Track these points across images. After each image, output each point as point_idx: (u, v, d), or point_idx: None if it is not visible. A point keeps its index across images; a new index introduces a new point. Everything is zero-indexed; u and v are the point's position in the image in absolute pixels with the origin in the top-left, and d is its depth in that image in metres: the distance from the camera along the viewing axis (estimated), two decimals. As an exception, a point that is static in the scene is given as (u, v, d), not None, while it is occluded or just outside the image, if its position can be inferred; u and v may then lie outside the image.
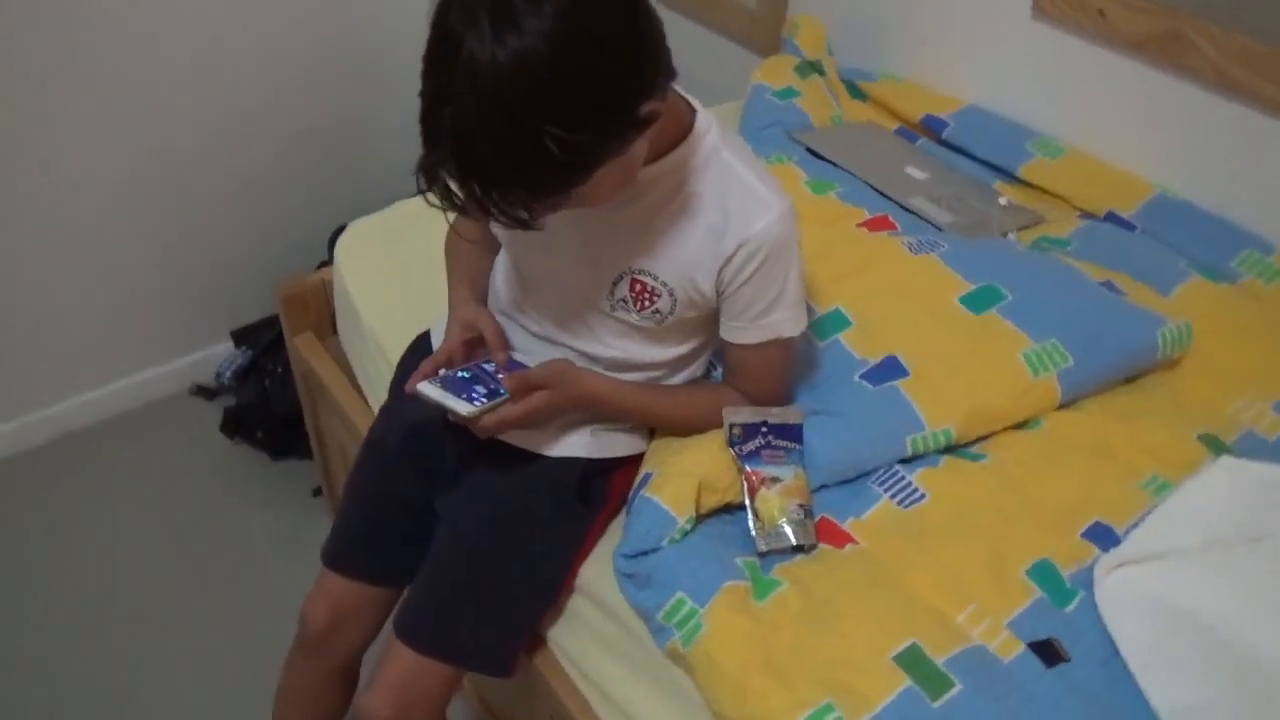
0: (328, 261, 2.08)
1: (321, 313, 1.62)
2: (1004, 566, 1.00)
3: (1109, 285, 1.27)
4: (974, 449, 1.13)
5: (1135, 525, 1.03)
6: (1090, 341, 1.17)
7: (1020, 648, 0.93)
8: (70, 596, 1.78)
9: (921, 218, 1.45)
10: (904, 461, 1.10)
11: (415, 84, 2.37)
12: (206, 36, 1.87)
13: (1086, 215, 1.50)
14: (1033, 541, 1.02)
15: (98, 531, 1.89)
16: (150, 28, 1.79)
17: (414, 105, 2.38)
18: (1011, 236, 1.43)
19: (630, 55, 0.81)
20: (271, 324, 2.10)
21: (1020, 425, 1.15)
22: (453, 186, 0.83)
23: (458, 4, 0.76)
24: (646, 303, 1.02)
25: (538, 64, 0.74)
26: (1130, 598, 0.96)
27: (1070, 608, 0.97)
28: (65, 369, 2.02)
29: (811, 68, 1.76)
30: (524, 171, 0.79)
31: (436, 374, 1.02)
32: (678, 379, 1.13)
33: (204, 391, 2.19)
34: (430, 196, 0.85)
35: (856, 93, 1.81)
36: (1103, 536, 1.03)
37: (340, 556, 1.20)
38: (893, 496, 1.07)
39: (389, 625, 1.16)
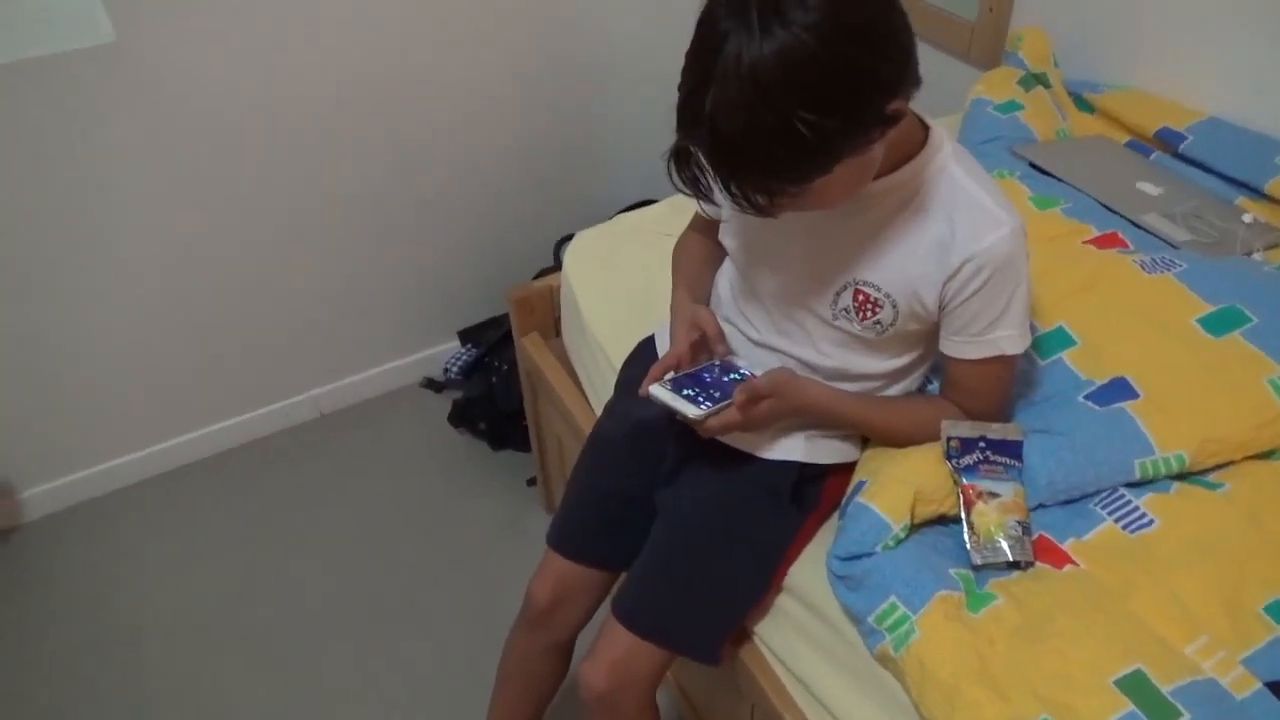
0: (549, 268, 2.23)
1: (547, 316, 1.75)
2: (1240, 601, 0.96)
3: (1372, 310, 1.18)
4: (1210, 477, 1.09)
5: (1395, 569, 0.96)
6: (1348, 370, 1.10)
7: (1257, 685, 0.89)
8: (311, 561, 2.00)
9: (1155, 235, 1.39)
10: (1131, 486, 1.08)
11: (636, 107, 2.48)
12: (441, 50, 2.01)
13: (1347, 234, 1.39)
14: (1273, 577, 0.97)
15: (339, 504, 2.11)
16: (392, 44, 1.96)
17: (634, 127, 2.49)
18: (1257, 256, 1.35)
19: (884, 50, 0.85)
20: (495, 324, 2.27)
21: (1265, 455, 1.10)
22: (699, 171, 0.90)
23: (725, 0, 0.83)
24: (869, 313, 1.05)
25: (800, 54, 0.80)
26: (1388, 645, 0.90)
27: (1315, 650, 0.92)
28: (319, 361, 2.28)
29: (1036, 80, 1.72)
30: (773, 154, 0.84)
31: (665, 377, 1.09)
32: (894, 390, 1.15)
33: (433, 384, 2.39)
34: (677, 181, 0.93)
35: (1084, 105, 1.75)
36: (1355, 578, 0.97)
37: (565, 539, 1.30)
38: (1117, 520, 1.04)
39: (605, 604, 1.25)
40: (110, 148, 1.79)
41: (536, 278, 2.01)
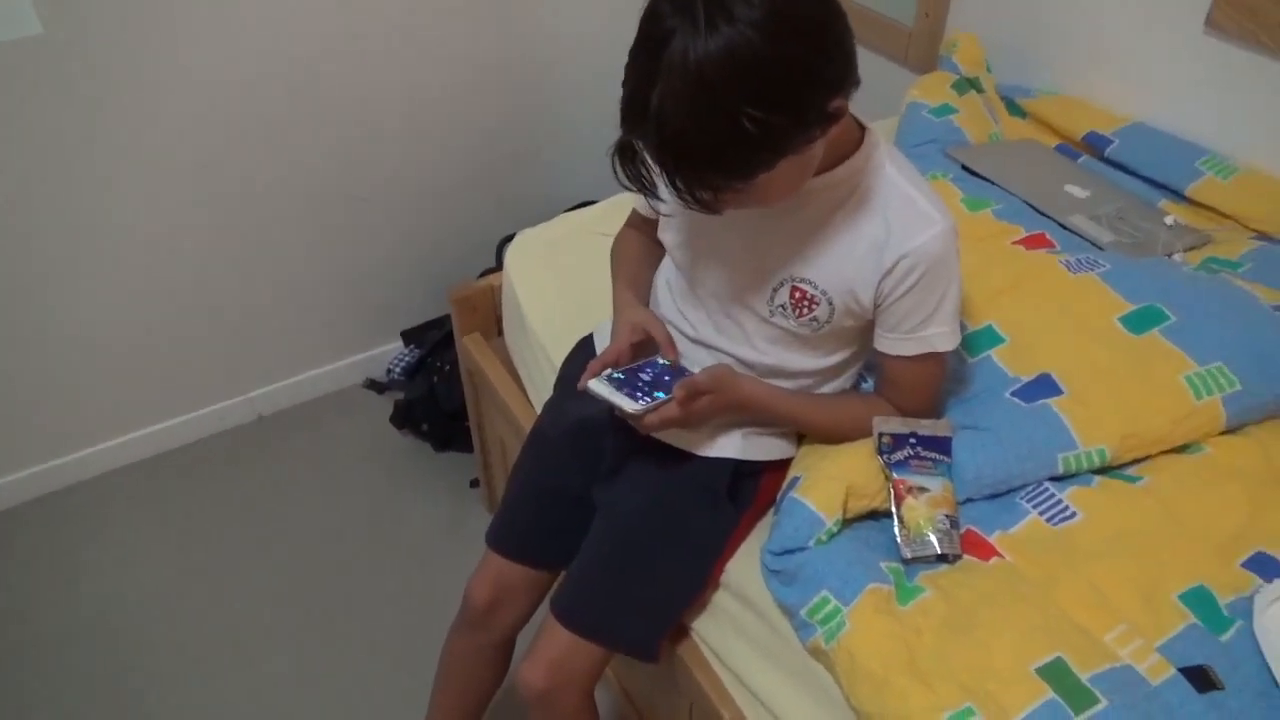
0: (491, 269, 2.22)
1: (489, 315, 1.74)
2: (1156, 590, 0.99)
3: (1283, 309, 1.23)
4: (1130, 470, 1.12)
5: (1302, 557, 1.01)
6: (1260, 366, 1.14)
7: (1171, 671, 0.92)
8: (251, 565, 1.96)
9: (1081, 236, 1.43)
10: (1055, 479, 1.11)
11: (579, 109, 2.48)
12: (385, 49, 1.99)
13: (1261, 236, 1.44)
14: (1188, 567, 1.01)
15: (279, 508, 2.08)
16: (335, 41, 1.93)
17: (577, 129, 2.49)
18: (1178, 257, 1.40)
19: (827, 48, 0.87)
20: (438, 325, 2.25)
21: (1181, 449, 1.13)
22: (643, 167, 0.91)
23: None
24: (805, 310, 1.07)
25: (746, 51, 0.81)
26: (1293, 630, 0.93)
27: (1226, 636, 0.96)
28: (258, 361, 2.24)
29: (969, 84, 1.76)
30: (718, 148, 0.85)
31: (604, 372, 1.10)
32: (829, 388, 1.17)
33: (375, 385, 2.36)
34: (621, 177, 0.93)
35: (1016, 110, 1.79)
36: (1265, 567, 1.01)
37: (504, 539, 1.30)
38: (1042, 513, 1.07)
39: (545, 604, 1.25)
40: (37, 143, 1.74)
41: (480, 278, 1.99)
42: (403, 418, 2.19)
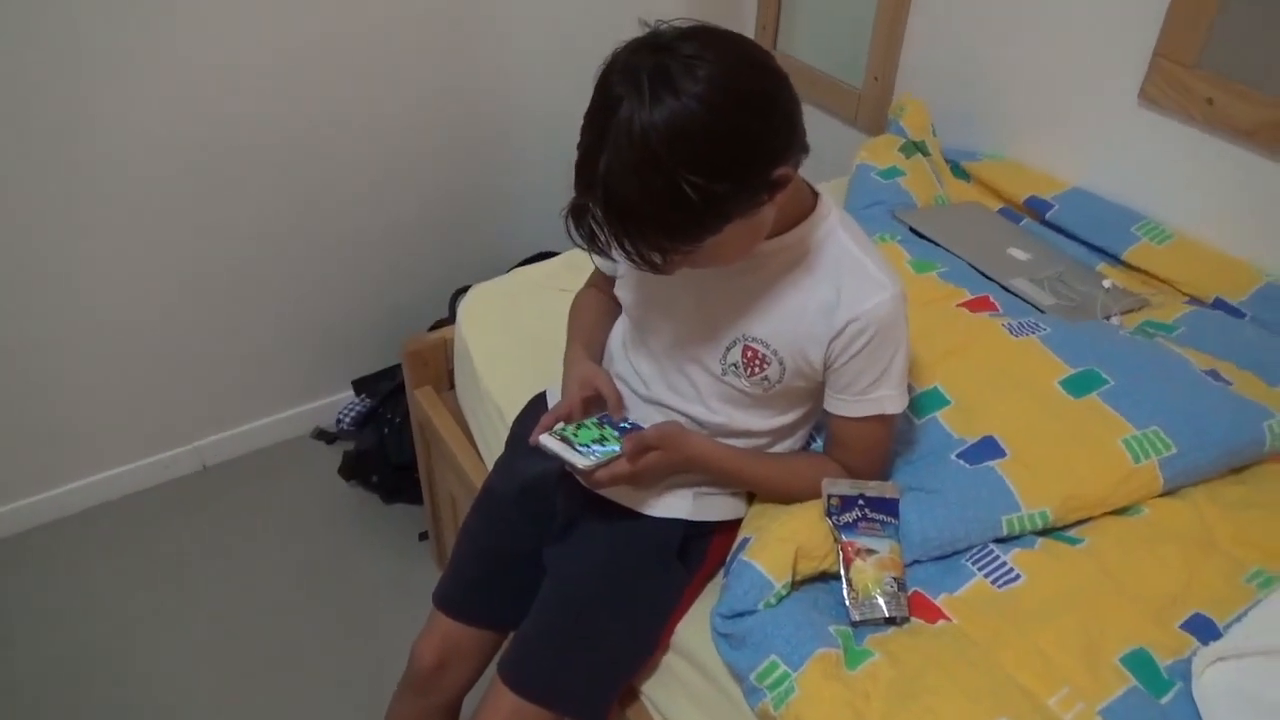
0: (444, 320, 2.21)
1: (441, 368, 1.73)
2: (1098, 652, 1.00)
3: (1215, 374, 1.27)
4: (1071, 533, 1.14)
5: (1237, 620, 1.03)
6: (1194, 430, 1.17)
7: (1113, 735, 0.93)
8: (194, 618, 1.90)
9: (1023, 299, 1.47)
10: (999, 541, 1.12)
11: (535, 159, 2.49)
12: (341, 99, 2.00)
13: (1194, 301, 1.49)
14: (1129, 629, 1.02)
15: (224, 560, 2.03)
16: (297, 104, 1.94)
17: (533, 179, 2.50)
18: (1115, 320, 1.44)
19: (770, 119, 0.89)
20: (390, 375, 2.23)
21: (1120, 511, 1.16)
22: (597, 227, 0.92)
23: (620, 68, 0.87)
24: (757, 369, 1.08)
25: (688, 122, 0.84)
26: (1230, 692, 0.95)
27: (1166, 699, 0.97)
28: (205, 410, 2.19)
29: (916, 148, 1.81)
30: (663, 215, 0.87)
31: (555, 427, 1.09)
32: (779, 448, 1.17)
33: (324, 435, 2.33)
34: (575, 237, 0.95)
35: (960, 173, 1.85)
36: (1203, 629, 1.03)
37: (451, 600, 1.28)
38: (987, 575, 1.08)
39: (492, 667, 1.23)
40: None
41: (432, 329, 1.98)
42: (351, 469, 2.15)
